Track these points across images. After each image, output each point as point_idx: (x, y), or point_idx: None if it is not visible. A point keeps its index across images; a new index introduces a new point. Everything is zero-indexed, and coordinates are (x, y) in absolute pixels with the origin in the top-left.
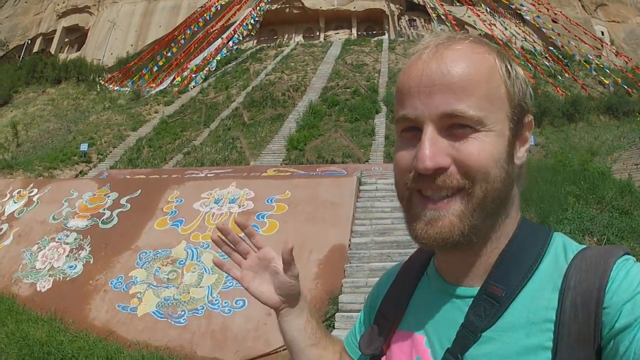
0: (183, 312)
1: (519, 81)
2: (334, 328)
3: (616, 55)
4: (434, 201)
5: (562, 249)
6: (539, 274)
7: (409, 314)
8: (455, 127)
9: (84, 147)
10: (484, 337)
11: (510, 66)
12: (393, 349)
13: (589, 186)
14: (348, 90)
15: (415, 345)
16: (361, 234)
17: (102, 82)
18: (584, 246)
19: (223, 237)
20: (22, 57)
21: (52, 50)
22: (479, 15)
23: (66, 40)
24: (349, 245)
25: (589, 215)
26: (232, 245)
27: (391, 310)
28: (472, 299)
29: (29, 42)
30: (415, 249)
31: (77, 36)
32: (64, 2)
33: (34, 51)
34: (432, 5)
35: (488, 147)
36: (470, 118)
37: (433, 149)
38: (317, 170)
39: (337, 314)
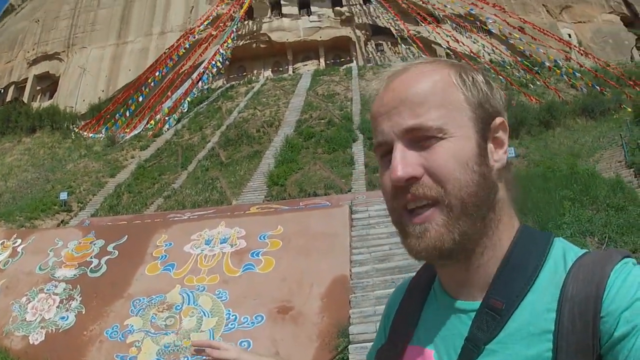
0: (186, 359)
1: (477, 85)
2: None
3: (585, 56)
4: (418, 215)
5: (561, 257)
6: (538, 284)
7: (420, 330)
8: (422, 139)
9: (63, 196)
10: (487, 350)
11: (466, 74)
12: None
13: (581, 188)
14: (322, 121)
15: (425, 359)
16: (361, 263)
17: (77, 130)
18: (583, 251)
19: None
20: None
21: (25, 98)
22: (439, 34)
23: (38, 88)
24: (350, 276)
25: (587, 216)
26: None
27: (402, 327)
28: (475, 312)
29: (2, 91)
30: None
31: (48, 84)
32: (33, 49)
33: (6, 100)
34: (396, 28)
35: (453, 152)
36: (431, 128)
37: (402, 161)
38: (301, 204)
39: (350, 346)
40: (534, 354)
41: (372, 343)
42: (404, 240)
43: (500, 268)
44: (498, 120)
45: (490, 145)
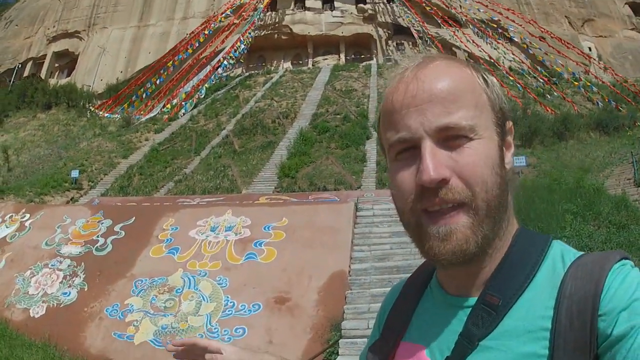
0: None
1: (495, 88)
2: (338, 355)
3: (604, 71)
4: (443, 216)
5: (559, 257)
6: (536, 282)
7: (413, 326)
8: (451, 138)
9: (74, 173)
10: (481, 346)
11: (486, 75)
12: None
13: (585, 203)
14: (338, 116)
15: (418, 355)
16: (360, 260)
17: (93, 109)
18: (581, 253)
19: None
20: (13, 81)
21: (43, 75)
22: (459, 38)
23: (56, 65)
24: (349, 272)
25: (587, 231)
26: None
27: (396, 323)
28: (471, 308)
29: (20, 66)
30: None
31: (67, 61)
32: (54, 27)
33: (24, 75)
34: (417, 29)
35: (482, 155)
36: (464, 128)
37: (434, 161)
38: (310, 197)
39: (340, 340)
40: (530, 351)
41: (363, 339)
42: (423, 243)
43: (498, 266)
44: (509, 123)
45: (503, 149)
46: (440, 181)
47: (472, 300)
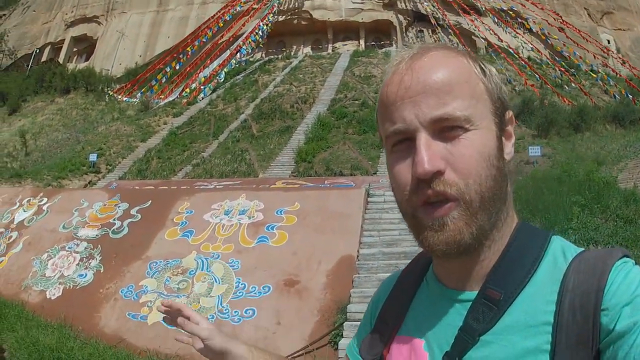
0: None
1: (494, 77)
2: (342, 337)
3: (622, 64)
4: (437, 208)
5: (560, 252)
6: (537, 276)
7: (409, 319)
8: (446, 129)
9: (93, 157)
10: (482, 341)
11: (484, 65)
12: (393, 354)
13: (593, 196)
14: (356, 102)
15: (415, 349)
16: (369, 245)
17: (111, 93)
18: (582, 249)
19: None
20: (31, 66)
21: (61, 59)
22: (477, 27)
23: (74, 49)
24: (357, 256)
25: (594, 224)
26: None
27: (391, 316)
28: (471, 302)
29: (37, 51)
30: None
31: (85, 46)
32: (72, 12)
33: (42, 60)
34: (437, 16)
35: (478, 146)
36: (459, 118)
37: (429, 153)
38: (326, 182)
39: (345, 323)
40: (532, 346)
41: None
42: (418, 233)
43: (498, 260)
44: (509, 113)
45: (502, 139)
46: (435, 173)
47: (471, 294)
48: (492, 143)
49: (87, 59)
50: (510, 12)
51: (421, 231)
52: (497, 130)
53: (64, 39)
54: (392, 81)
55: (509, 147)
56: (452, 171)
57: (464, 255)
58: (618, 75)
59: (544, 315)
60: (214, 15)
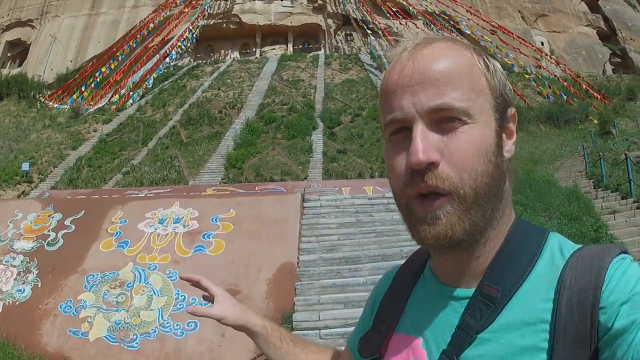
0: (135, 336)
1: (497, 73)
2: None
3: (556, 65)
4: (430, 201)
5: (558, 249)
6: (534, 274)
7: (406, 317)
8: (444, 121)
9: (25, 166)
10: (479, 339)
11: (488, 60)
12: (390, 352)
13: (535, 194)
14: (285, 106)
15: (412, 347)
16: (309, 251)
17: (42, 99)
18: (580, 246)
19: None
20: None
21: None
22: (408, 29)
23: (9, 55)
24: (298, 263)
25: (537, 223)
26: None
27: (388, 314)
28: (468, 300)
29: None
30: (380, 261)
31: (19, 51)
32: (8, 15)
33: None
34: (365, 20)
35: (476, 140)
36: (457, 110)
37: (424, 143)
38: (257, 188)
39: (292, 332)
40: (529, 344)
41: (314, 330)
42: (411, 226)
43: (495, 257)
44: (511, 110)
45: (503, 136)
46: (429, 164)
47: (468, 292)
48: (490, 139)
49: (20, 65)
50: (443, 16)
51: (414, 223)
52: (496, 126)
53: None
54: (393, 70)
55: (509, 145)
56: (446, 164)
57: (457, 250)
58: (552, 76)
59: (541, 313)
60: (145, 18)
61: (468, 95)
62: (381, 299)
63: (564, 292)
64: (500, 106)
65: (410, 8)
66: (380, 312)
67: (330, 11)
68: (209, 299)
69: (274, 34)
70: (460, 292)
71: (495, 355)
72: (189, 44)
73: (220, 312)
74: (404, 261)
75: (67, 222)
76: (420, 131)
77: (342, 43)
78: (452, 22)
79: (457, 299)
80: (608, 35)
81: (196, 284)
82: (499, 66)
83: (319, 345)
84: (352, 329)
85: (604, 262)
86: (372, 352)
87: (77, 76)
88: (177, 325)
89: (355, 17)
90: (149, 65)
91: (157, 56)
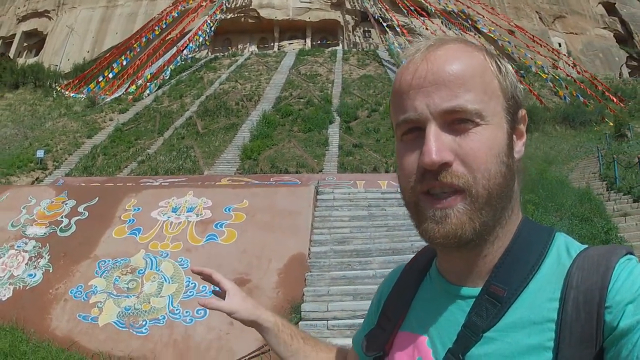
0: (144, 322)
1: (509, 75)
2: None
3: (573, 67)
4: (441, 200)
5: (564, 249)
6: (541, 273)
7: (412, 315)
8: (457, 122)
9: (40, 153)
10: (485, 338)
11: (500, 62)
12: (395, 349)
13: (547, 194)
14: (302, 100)
15: (417, 345)
16: (320, 243)
17: (59, 89)
18: (585, 246)
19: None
20: None
21: (11, 54)
22: (427, 28)
23: (25, 44)
24: (309, 254)
25: (549, 222)
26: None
27: (394, 311)
28: (474, 299)
29: None
30: (391, 254)
31: (35, 41)
32: (24, 6)
33: None
34: (384, 17)
35: (488, 141)
36: (470, 112)
37: (438, 144)
38: (271, 179)
39: (300, 322)
40: (535, 343)
41: (322, 321)
42: (419, 224)
43: (502, 256)
44: (522, 112)
45: (514, 137)
46: (442, 164)
47: (475, 291)
48: (502, 140)
49: (37, 54)
50: (461, 14)
51: (422, 221)
52: (508, 127)
53: (15, 34)
54: (407, 70)
55: (519, 146)
56: (460, 164)
57: (465, 249)
58: (569, 77)
59: (547, 312)
60: (162, 11)
61: (481, 97)
62: (387, 297)
63: (571, 291)
64: (512, 108)
65: (429, 6)
66: (386, 310)
67: (349, 7)
68: (220, 294)
69: (292, 29)
70: (466, 291)
71: (501, 354)
72: (206, 37)
73: (231, 306)
74: (410, 259)
75: (80, 209)
76: (433, 132)
77: (360, 39)
78: (470, 21)
79: (464, 297)
80: (625, 38)
81: (207, 278)
82: (510, 68)
83: (329, 345)
84: (360, 321)
85: (610, 262)
86: (376, 349)
87: (94, 67)
88: (186, 312)
89: (373, 13)
90: (167, 57)
91: (175, 48)
